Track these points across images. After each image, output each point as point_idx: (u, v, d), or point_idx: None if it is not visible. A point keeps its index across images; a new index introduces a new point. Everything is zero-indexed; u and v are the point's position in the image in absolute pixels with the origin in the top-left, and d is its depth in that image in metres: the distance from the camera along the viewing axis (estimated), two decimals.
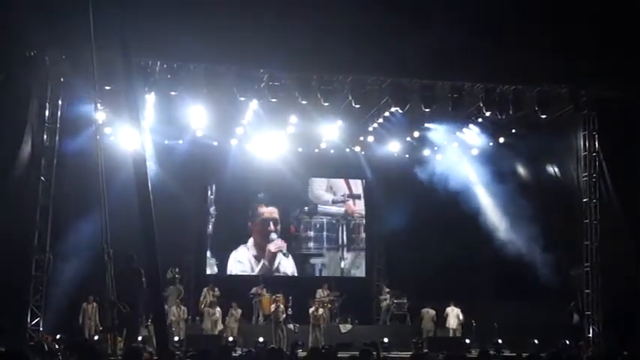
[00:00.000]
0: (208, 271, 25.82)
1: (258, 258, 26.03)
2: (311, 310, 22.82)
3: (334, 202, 27.24)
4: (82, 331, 21.05)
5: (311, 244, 26.85)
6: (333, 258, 27.03)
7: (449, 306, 23.86)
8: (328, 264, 26.94)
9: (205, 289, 23.44)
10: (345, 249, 27.22)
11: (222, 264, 25.75)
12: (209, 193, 25.67)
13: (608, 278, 21.38)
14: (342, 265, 27.26)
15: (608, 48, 19.02)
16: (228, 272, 25.90)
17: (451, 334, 23.42)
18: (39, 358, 10.98)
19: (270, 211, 26.18)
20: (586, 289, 21.88)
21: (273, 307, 22.73)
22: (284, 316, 22.72)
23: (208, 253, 25.62)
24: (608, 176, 21.75)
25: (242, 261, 25.83)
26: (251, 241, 26.10)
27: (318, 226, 26.95)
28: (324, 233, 26.99)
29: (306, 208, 26.86)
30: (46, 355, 11.42)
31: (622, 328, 19.98)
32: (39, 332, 18.57)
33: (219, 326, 22.35)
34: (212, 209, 25.66)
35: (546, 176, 24.43)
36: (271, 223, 26.09)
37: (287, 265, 26.42)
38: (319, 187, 27.17)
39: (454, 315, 23.69)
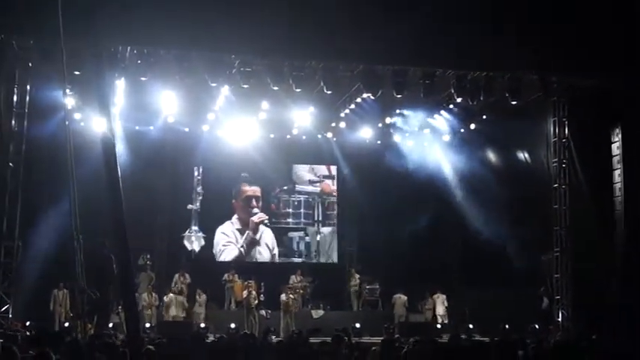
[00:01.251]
0: (195, 246, 26.42)
1: (242, 231, 27.11)
2: (282, 296, 22.88)
3: (311, 182, 28.17)
4: (53, 317, 20.92)
5: (290, 220, 27.97)
6: (310, 232, 28.08)
7: (434, 293, 24.20)
8: (305, 237, 28.03)
9: (177, 275, 23.44)
10: (321, 224, 28.18)
11: (209, 238, 26.65)
12: (196, 174, 26.58)
13: (577, 263, 21.60)
14: (318, 238, 28.01)
15: (578, 35, 19.13)
16: (215, 244, 26.70)
17: (440, 321, 23.65)
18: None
19: (253, 190, 27.22)
20: (556, 274, 22.09)
21: (245, 293, 22.75)
22: (256, 302, 22.77)
23: (196, 228, 26.54)
24: (577, 162, 21.94)
25: (227, 233, 26.97)
26: (235, 217, 27.15)
27: (296, 203, 27.99)
28: (302, 210, 28.06)
29: (285, 187, 27.80)
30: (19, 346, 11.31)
31: (591, 312, 20.19)
32: (8, 319, 18.43)
33: (172, 312, 22.32)
34: (199, 189, 26.57)
35: (517, 162, 24.60)
36: (253, 200, 27.24)
37: (268, 237, 27.34)
38: (302, 168, 28.19)
39: (440, 302, 23.99)
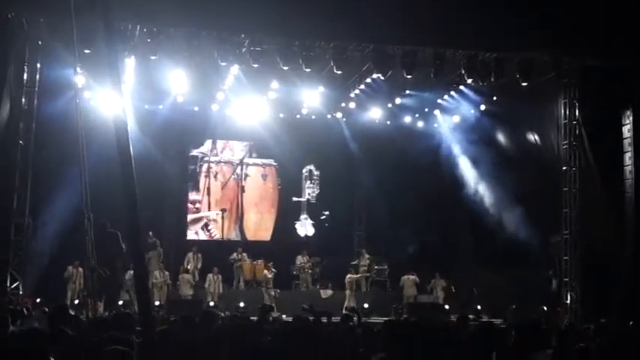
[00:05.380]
0: (309, 232, 27.87)
1: None
2: (348, 276, 23.48)
3: None
4: (65, 294, 21.02)
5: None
6: None
7: (443, 277, 24.40)
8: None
9: (190, 254, 23.60)
10: None
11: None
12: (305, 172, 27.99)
13: (586, 245, 21.53)
14: None
15: (590, 16, 18.97)
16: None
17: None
18: (19, 320, 10.99)
19: None
20: (565, 256, 22.04)
21: (266, 272, 22.93)
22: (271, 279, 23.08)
23: (305, 216, 28.02)
24: (587, 144, 21.79)
25: None
26: None
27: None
28: None
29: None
30: (24, 319, 11.39)
31: (599, 294, 20.16)
32: (19, 296, 18.52)
33: (190, 291, 22.55)
34: (309, 183, 28.04)
35: (527, 144, 24.43)
36: None
37: None
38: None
39: (446, 284, 24.14)
